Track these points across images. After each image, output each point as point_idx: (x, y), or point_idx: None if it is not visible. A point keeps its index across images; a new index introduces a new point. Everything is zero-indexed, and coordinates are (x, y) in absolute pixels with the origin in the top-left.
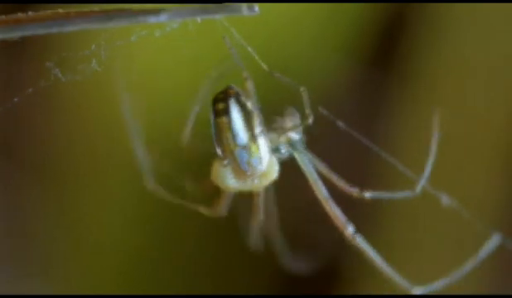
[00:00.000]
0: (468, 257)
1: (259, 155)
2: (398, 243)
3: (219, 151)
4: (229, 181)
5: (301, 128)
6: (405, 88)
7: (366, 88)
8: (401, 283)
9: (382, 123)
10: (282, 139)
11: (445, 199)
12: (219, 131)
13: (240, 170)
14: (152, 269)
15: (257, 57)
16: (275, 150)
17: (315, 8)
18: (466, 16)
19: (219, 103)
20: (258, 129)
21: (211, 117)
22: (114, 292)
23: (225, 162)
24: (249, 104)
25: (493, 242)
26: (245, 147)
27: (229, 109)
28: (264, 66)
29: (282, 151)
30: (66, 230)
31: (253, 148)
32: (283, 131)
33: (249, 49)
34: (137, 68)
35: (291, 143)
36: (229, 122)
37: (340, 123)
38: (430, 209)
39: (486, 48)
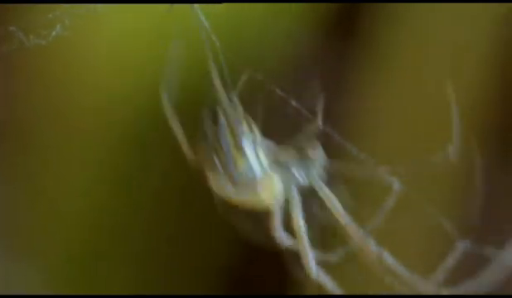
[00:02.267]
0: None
1: (247, 162)
2: None
3: (213, 157)
4: (226, 189)
5: (318, 163)
6: (367, 57)
7: (328, 58)
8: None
9: (343, 93)
10: (292, 156)
11: (396, 185)
12: (209, 139)
13: (232, 177)
14: (115, 235)
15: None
16: (280, 165)
17: None
18: None
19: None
20: (243, 137)
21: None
22: (77, 260)
23: (219, 169)
24: (235, 114)
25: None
26: (230, 152)
27: (216, 118)
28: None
29: (295, 173)
30: (28, 197)
31: (237, 155)
32: (298, 150)
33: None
34: (103, 34)
35: (305, 167)
36: (217, 131)
37: (293, 102)
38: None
39: (449, 15)
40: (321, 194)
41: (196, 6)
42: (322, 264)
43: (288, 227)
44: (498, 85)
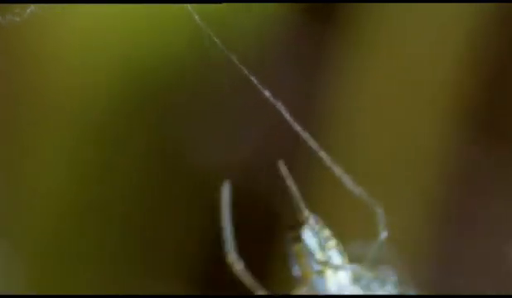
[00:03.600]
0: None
1: (335, 282)
2: None
3: (298, 274)
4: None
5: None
6: (343, 38)
7: (303, 39)
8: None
9: (320, 74)
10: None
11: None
12: (295, 257)
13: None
14: (88, 227)
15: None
16: (357, 280)
17: None
18: None
19: (293, 231)
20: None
21: (287, 245)
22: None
23: (304, 289)
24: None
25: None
26: (320, 272)
27: (301, 236)
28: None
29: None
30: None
31: (328, 273)
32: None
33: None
34: (78, 12)
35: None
36: (303, 248)
37: (267, 93)
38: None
39: (429, 8)
40: None
41: None
42: None
43: None
44: (474, 82)
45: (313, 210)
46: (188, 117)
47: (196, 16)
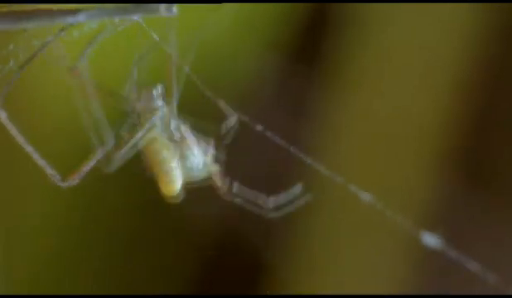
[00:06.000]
0: (383, 255)
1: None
2: (319, 241)
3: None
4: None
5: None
6: (329, 83)
7: (289, 83)
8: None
9: (305, 118)
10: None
11: (365, 196)
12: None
13: None
14: (76, 261)
15: (175, 56)
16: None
17: (237, 4)
18: (388, 12)
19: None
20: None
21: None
22: (41, 287)
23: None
24: None
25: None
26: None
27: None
28: (188, 71)
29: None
30: None
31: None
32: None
33: (171, 51)
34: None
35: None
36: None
37: (260, 127)
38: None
39: (409, 39)
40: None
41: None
42: None
43: None
44: (463, 110)
45: None
46: None
47: (186, 67)
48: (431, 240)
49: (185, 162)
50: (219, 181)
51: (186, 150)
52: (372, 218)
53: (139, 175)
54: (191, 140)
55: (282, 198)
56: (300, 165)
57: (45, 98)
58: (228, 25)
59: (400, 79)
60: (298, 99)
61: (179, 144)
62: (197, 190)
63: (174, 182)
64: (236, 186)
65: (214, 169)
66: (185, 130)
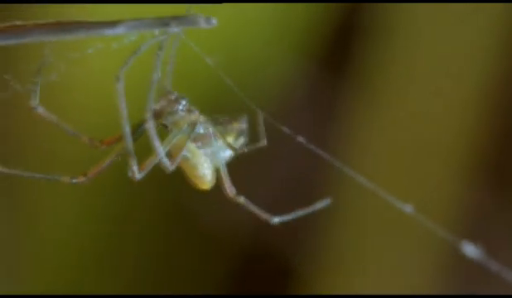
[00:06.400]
0: (414, 263)
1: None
2: (347, 247)
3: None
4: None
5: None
6: (357, 90)
7: (319, 90)
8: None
9: (335, 124)
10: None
11: (407, 207)
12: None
13: None
14: (108, 263)
15: (213, 66)
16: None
17: (268, 10)
18: (418, 17)
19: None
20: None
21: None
22: (73, 289)
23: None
24: None
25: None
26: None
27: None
28: (229, 82)
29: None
30: (18, 228)
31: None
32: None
33: (208, 60)
34: (95, 78)
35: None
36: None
37: (301, 138)
38: (383, 215)
39: (439, 47)
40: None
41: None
42: None
43: None
44: (493, 119)
45: None
46: None
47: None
48: (470, 250)
49: (211, 153)
50: (226, 184)
51: (210, 144)
52: (400, 222)
53: (170, 179)
54: (214, 134)
55: (287, 218)
56: (330, 171)
57: (79, 108)
58: (258, 32)
59: (429, 87)
60: (326, 106)
61: (203, 139)
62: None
63: (205, 175)
64: (242, 199)
65: (240, 142)
66: (208, 127)
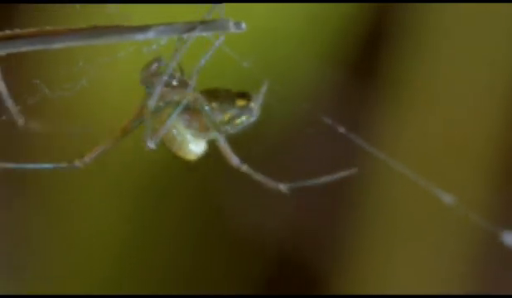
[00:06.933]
0: (449, 256)
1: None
2: (380, 239)
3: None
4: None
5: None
6: (387, 94)
7: (348, 95)
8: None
9: (362, 131)
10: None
11: (447, 198)
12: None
13: None
14: (142, 264)
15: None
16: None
17: (298, 15)
18: (447, 20)
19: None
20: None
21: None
22: (107, 289)
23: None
24: None
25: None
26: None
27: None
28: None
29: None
30: (56, 230)
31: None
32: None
33: (245, 64)
34: (124, 83)
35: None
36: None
37: (342, 129)
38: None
39: (468, 50)
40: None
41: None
42: None
43: None
44: None
45: None
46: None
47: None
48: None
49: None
50: (227, 155)
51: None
52: (430, 227)
53: (204, 180)
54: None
55: (296, 185)
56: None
57: (110, 111)
58: (288, 36)
59: (457, 93)
60: (354, 112)
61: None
62: (254, 201)
63: (185, 145)
64: (245, 168)
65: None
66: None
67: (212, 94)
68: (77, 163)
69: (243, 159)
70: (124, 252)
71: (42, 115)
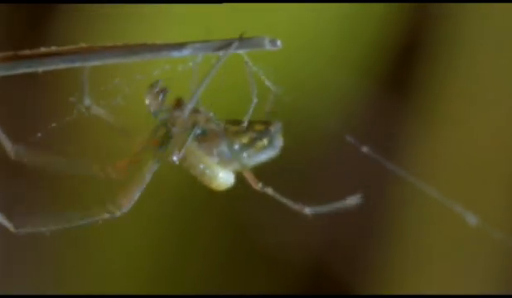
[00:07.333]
0: (479, 275)
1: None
2: (411, 249)
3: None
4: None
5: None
6: (420, 111)
7: (381, 110)
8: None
9: (396, 146)
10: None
11: (470, 218)
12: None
13: None
14: (172, 283)
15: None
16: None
17: (332, 30)
18: (482, 37)
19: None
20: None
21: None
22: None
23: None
24: None
25: None
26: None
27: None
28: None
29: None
30: (76, 233)
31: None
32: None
33: (271, 86)
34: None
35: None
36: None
37: (365, 149)
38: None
39: (504, 67)
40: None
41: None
42: None
43: None
44: None
45: None
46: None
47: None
48: None
49: (220, 154)
50: (249, 180)
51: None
52: (461, 242)
53: (235, 198)
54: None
55: (320, 210)
56: (390, 188)
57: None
58: (320, 51)
59: (490, 106)
60: (389, 128)
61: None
62: (282, 218)
63: (215, 177)
64: (270, 191)
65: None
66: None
67: (231, 122)
68: (117, 213)
69: (273, 179)
70: (154, 271)
71: (77, 132)
